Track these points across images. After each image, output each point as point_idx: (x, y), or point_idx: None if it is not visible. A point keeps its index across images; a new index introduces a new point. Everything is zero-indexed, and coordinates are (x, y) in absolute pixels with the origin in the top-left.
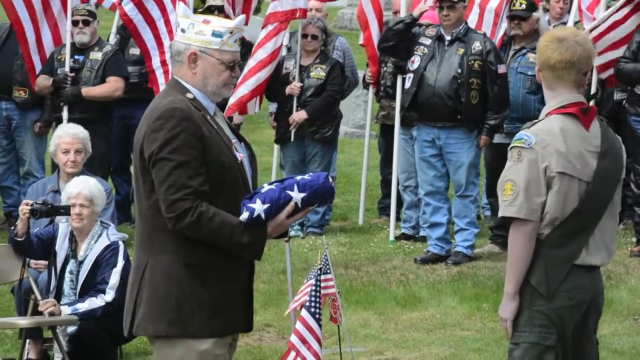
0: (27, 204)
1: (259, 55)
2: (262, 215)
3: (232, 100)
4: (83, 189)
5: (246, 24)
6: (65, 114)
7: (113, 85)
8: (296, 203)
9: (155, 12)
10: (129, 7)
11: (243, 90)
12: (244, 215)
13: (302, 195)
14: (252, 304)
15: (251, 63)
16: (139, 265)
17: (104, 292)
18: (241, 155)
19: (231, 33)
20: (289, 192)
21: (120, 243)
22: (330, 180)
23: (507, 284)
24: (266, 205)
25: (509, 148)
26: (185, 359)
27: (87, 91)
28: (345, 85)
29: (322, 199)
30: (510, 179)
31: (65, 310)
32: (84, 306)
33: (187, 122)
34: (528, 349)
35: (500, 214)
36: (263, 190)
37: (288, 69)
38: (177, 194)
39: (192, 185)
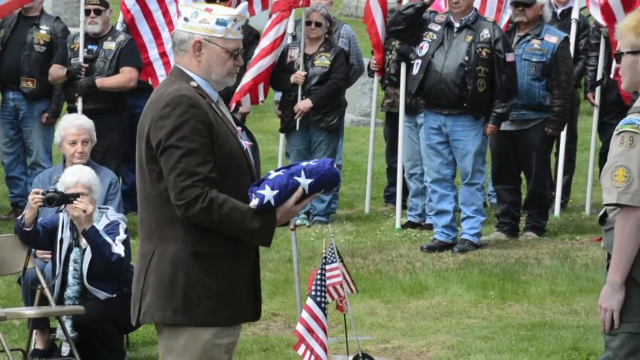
0: (37, 193)
1: (262, 43)
2: (272, 202)
3: (248, 78)
4: (81, 177)
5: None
6: (80, 104)
7: (127, 76)
8: (304, 189)
9: (152, 4)
10: (131, 1)
11: (246, 78)
12: (254, 202)
13: (310, 181)
14: (259, 292)
15: (255, 52)
16: (145, 254)
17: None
18: (247, 143)
19: (235, 21)
20: (296, 178)
21: (120, 221)
22: (335, 166)
23: (614, 274)
24: (275, 192)
25: (616, 132)
26: (188, 347)
27: (102, 82)
28: (350, 73)
29: (328, 185)
30: (623, 164)
31: (95, 216)
32: (106, 236)
33: (195, 109)
34: (627, 339)
35: (610, 201)
36: (270, 177)
37: (293, 58)
38: (187, 181)
39: (201, 172)
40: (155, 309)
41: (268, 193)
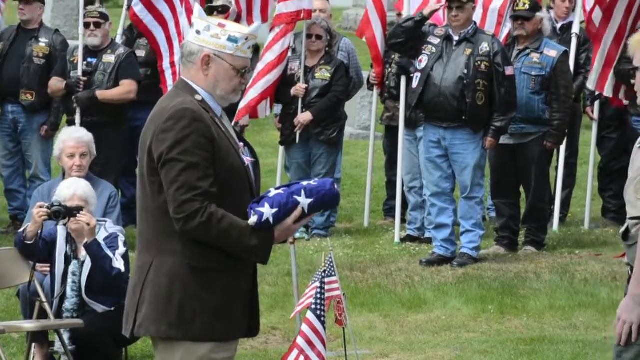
0: (42, 207)
1: (267, 58)
2: (271, 220)
3: (242, 105)
4: (77, 190)
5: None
6: (78, 117)
7: (127, 88)
8: (303, 208)
9: (166, 13)
10: (139, 8)
11: (252, 93)
12: (253, 219)
13: (310, 200)
14: (257, 308)
15: (260, 66)
16: (143, 266)
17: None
18: (248, 159)
19: (246, 39)
20: (296, 197)
21: (119, 234)
22: (336, 186)
23: (636, 287)
24: (274, 210)
25: (637, 146)
26: None
27: (102, 94)
28: (350, 87)
29: (328, 205)
30: None
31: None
32: (107, 250)
33: (198, 123)
34: None
35: (635, 214)
36: (270, 195)
37: (293, 70)
38: (187, 195)
39: (201, 187)
40: (151, 321)
41: (267, 211)
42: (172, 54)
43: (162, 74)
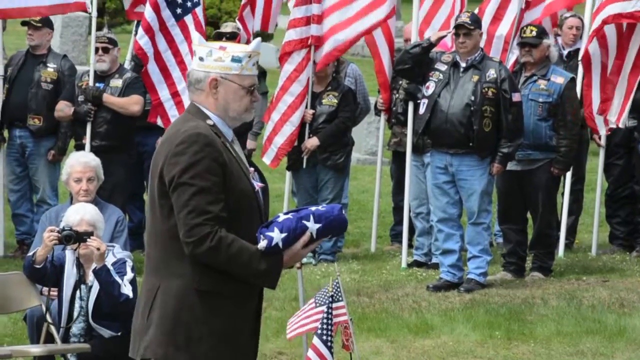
0: (52, 231)
1: (295, 89)
2: (280, 244)
3: (280, 140)
4: (84, 215)
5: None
6: (87, 142)
7: (133, 99)
8: (311, 233)
9: (161, 44)
10: (144, 41)
11: (289, 127)
12: (262, 244)
13: (318, 226)
14: (259, 332)
15: (288, 99)
16: (151, 289)
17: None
18: (259, 184)
19: (249, 57)
20: (305, 222)
21: (127, 259)
22: (344, 212)
23: None
24: (284, 235)
25: None
26: None
27: (108, 98)
28: (357, 112)
29: (337, 231)
30: None
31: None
32: (116, 276)
33: (210, 147)
34: None
35: None
36: (279, 220)
37: None
38: (198, 219)
39: (212, 211)
40: (158, 344)
41: (277, 235)
42: (171, 84)
43: (157, 107)
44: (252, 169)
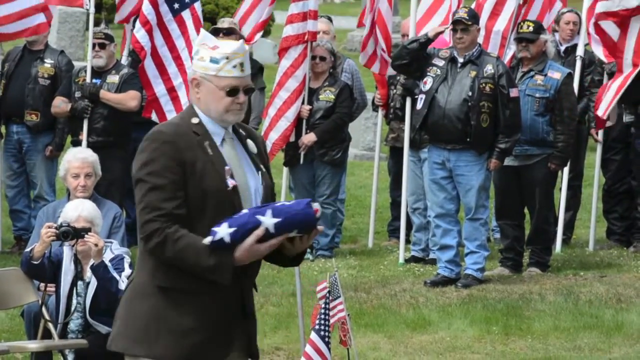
0: (50, 227)
1: (291, 85)
2: (226, 239)
3: (275, 136)
4: (82, 211)
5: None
6: (84, 138)
7: (130, 95)
8: (267, 228)
9: (158, 39)
10: (141, 34)
11: (284, 123)
12: (207, 239)
13: (276, 220)
14: (239, 328)
15: (284, 94)
16: (128, 283)
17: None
18: (233, 182)
19: (227, 59)
20: (259, 216)
21: (125, 255)
22: (315, 207)
23: None
24: (232, 229)
25: None
26: None
27: (105, 94)
28: (353, 108)
29: (301, 226)
30: None
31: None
32: (113, 272)
33: (168, 145)
34: None
35: None
36: (237, 215)
37: None
38: (149, 215)
39: (165, 208)
40: (120, 337)
41: (223, 231)
42: (166, 79)
43: (152, 102)
44: (227, 167)
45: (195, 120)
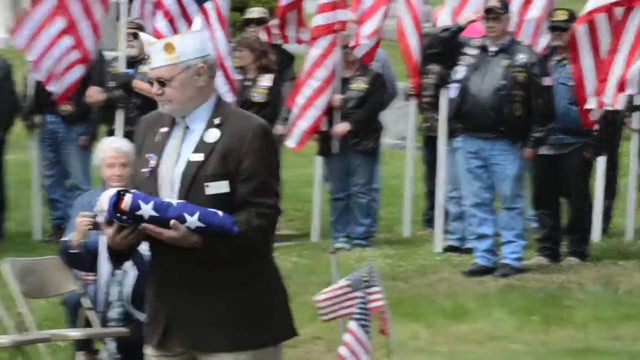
0: (85, 216)
1: (321, 74)
2: (144, 215)
3: (304, 125)
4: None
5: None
6: (118, 127)
7: None
8: (188, 227)
9: (164, 30)
10: (161, 25)
11: (314, 112)
12: (128, 201)
13: (199, 224)
14: (244, 316)
15: (314, 83)
16: None
17: None
18: (145, 169)
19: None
20: (186, 214)
21: None
22: (235, 227)
23: None
24: (153, 212)
25: None
26: None
27: (138, 83)
28: (385, 97)
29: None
30: None
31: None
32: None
33: (137, 129)
34: None
35: None
36: (166, 202)
37: None
38: None
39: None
40: None
41: (146, 208)
42: None
43: None
44: (152, 154)
45: None
